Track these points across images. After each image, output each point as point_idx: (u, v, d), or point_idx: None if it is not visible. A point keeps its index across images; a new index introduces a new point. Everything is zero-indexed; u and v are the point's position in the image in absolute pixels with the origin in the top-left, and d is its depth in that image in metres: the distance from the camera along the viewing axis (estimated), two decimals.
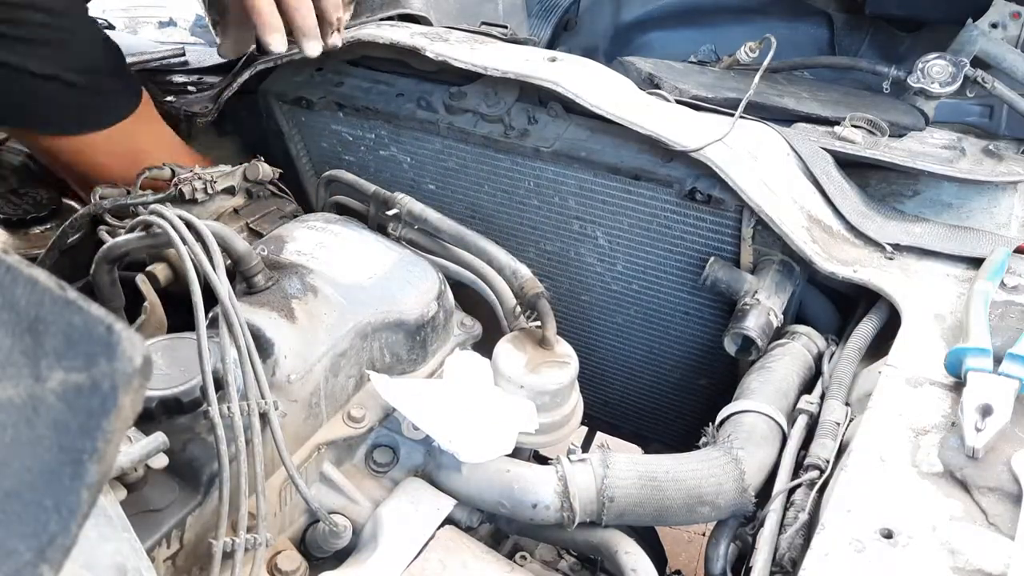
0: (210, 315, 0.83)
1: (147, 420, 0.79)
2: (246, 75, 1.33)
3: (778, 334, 1.09)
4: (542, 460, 1.09)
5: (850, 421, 0.89)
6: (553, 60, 1.16)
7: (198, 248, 0.84)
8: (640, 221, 1.18)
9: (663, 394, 1.45)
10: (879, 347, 0.99)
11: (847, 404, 0.93)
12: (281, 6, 1.09)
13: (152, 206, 0.90)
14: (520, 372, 0.97)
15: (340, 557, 0.86)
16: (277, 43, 1.09)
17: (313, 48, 1.11)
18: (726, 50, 1.56)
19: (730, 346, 1.09)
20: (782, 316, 1.08)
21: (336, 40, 1.15)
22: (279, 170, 1.20)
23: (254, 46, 1.42)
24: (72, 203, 1.25)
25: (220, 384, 0.79)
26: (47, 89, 1.11)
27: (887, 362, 0.90)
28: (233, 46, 1.19)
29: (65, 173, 1.25)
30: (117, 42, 1.21)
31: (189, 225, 0.87)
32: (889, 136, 1.19)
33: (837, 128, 1.19)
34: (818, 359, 1.06)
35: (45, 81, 1.10)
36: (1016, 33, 1.37)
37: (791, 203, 1.07)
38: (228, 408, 0.77)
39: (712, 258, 1.13)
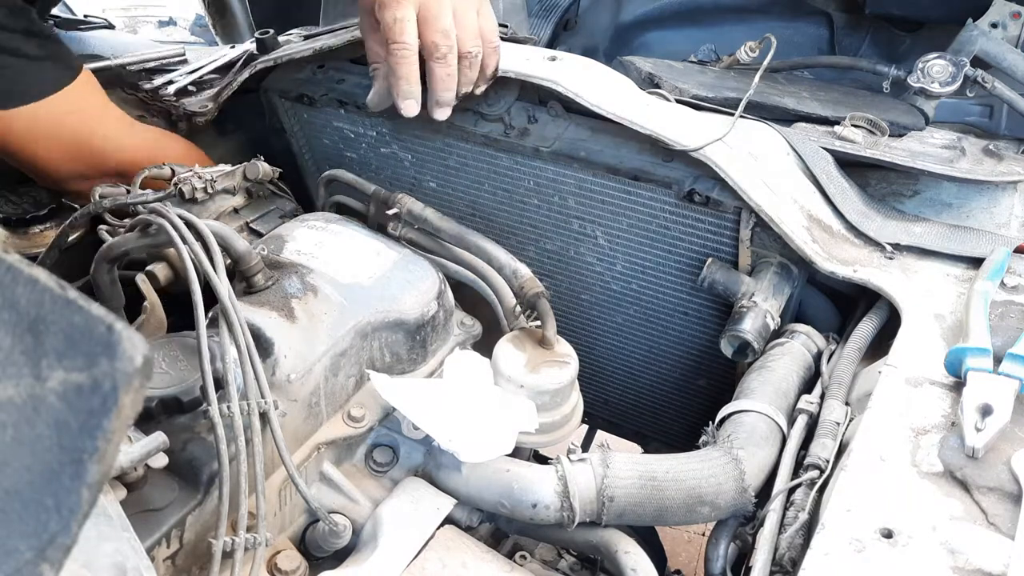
0: (210, 315, 0.83)
1: (147, 419, 0.79)
2: (246, 74, 1.34)
3: (777, 333, 1.09)
4: (542, 460, 1.09)
5: (850, 421, 0.89)
6: (553, 59, 1.16)
7: (198, 247, 0.84)
8: (639, 221, 1.18)
9: (663, 393, 1.45)
10: (879, 347, 0.99)
11: (847, 404, 0.93)
12: (427, 70, 1.06)
13: (152, 205, 0.90)
14: (520, 372, 0.97)
15: (340, 557, 0.86)
16: (410, 109, 1.08)
17: (441, 115, 1.11)
18: (726, 50, 1.56)
19: (726, 348, 1.09)
20: (779, 319, 1.08)
21: (444, 114, 1.12)
22: (279, 169, 1.20)
23: (252, 43, 1.43)
24: (72, 203, 1.25)
25: (220, 384, 0.79)
26: None
27: (887, 362, 0.90)
28: (379, 100, 1.14)
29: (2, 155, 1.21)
30: (116, 40, 1.21)
31: (189, 224, 0.87)
32: (889, 136, 1.20)
33: (837, 128, 1.19)
34: (818, 358, 1.06)
35: None
36: (1016, 33, 1.37)
37: (791, 203, 1.07)
38: (228, 407, 0.77)
39: (710, 259, 1.13)
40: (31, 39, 1.16)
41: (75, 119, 1.20)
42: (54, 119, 1.18)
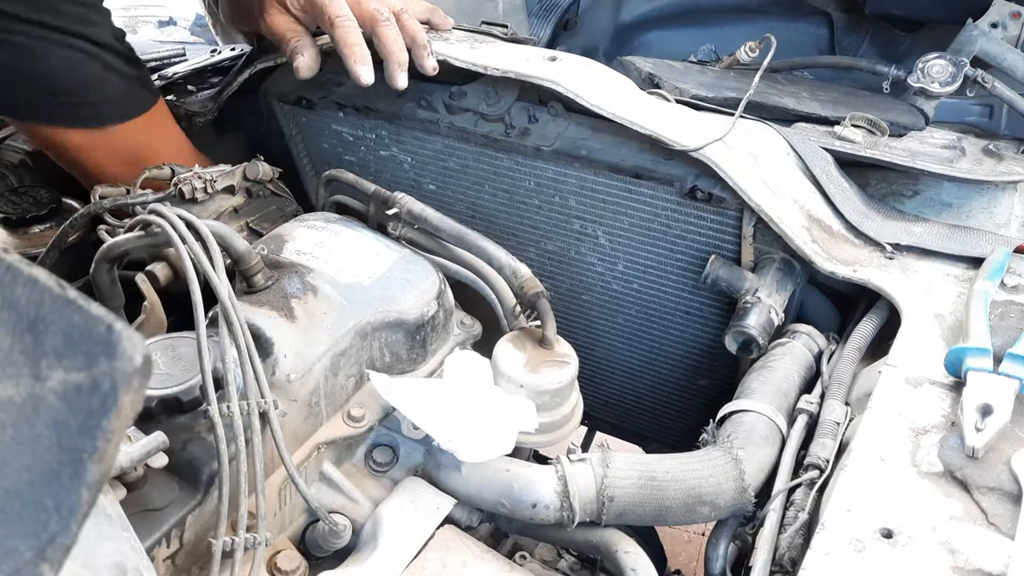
0: (209, 314, 0.83)
1: (147, 419, 0.79)
2: (246, 74, 1.34)
3: (779, 333, 1.10)
4: (542, 460, 1.09)
5: (850, 421, 0.89)
6: (553, 59, 1.16)
7: (197, 248, 0.84)
8: (641, 220, 1.18)
9: (664, 394, 1.45)
10: (879, 347, 0.98)
11: (847, 404, 0.93)
12: (375, 37, 1.10)
13: (152, 205, 0.90)
14: (520, 371, 0.97)
15: (340, 556, 0.86)
16: (366, 75, 1.09)
17: (403, 81, 1.12)
18: (726, 50, 1.56)
19: (731, 344, 1.09)
20: (783, 314, 1.08)
21: (432, 62, 1.14)
22: (279, 169, 1.20)
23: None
24: (72, 202, 1.25)
25: (220, 384, 0.79)
26: (64, 81, 1.11)
27: (887, 362, 0.90)
28: (309, 69, 1.16)
29: (71, 169, 1.25)
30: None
31: (188, 224, 0.87)
32: (889, 136, 1.19)
33: (837, 128, 1.19)
34: (818, 358, 1.06)
35: (62, 72, 1.10)
36: (1016, 33, 1.37)
37: (791, 202, 1.07)
38: (227, 407, 0.77)
39: (713, 256, 1.13)
40: (126, 60, 1.20)
41: (154, 140, 1.24)
42: (137, 140, 1.21)
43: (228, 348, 0.80)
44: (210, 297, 0.82)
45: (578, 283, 1.34)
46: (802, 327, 1.09)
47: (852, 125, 1.19)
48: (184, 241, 0.84)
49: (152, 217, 0.87)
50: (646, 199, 1.15)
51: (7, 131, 1.38)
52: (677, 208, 1.14)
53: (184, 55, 1.59)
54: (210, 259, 0.84)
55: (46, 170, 1.31)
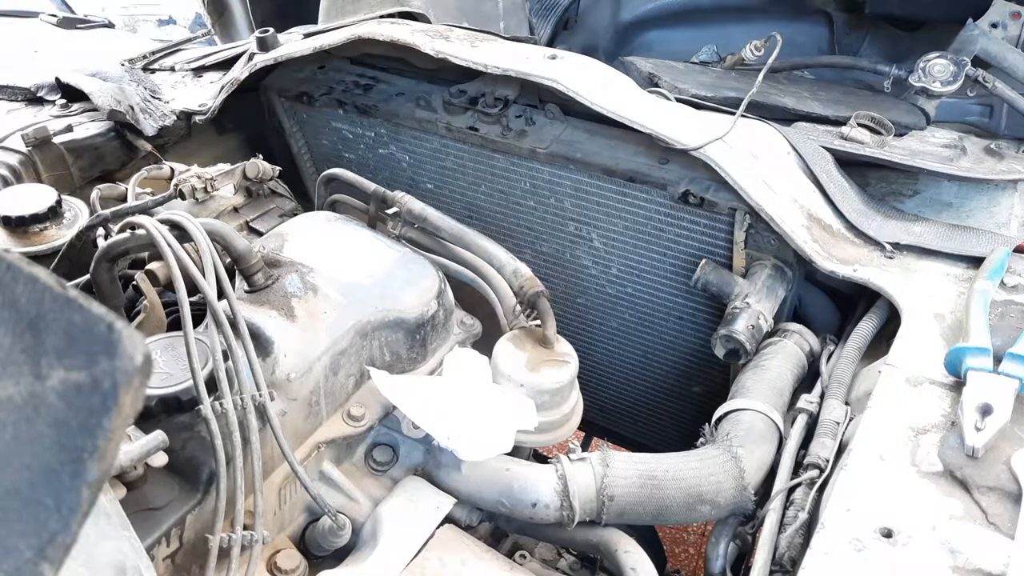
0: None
1: (147, 418, 0.79)
2: (246, 73, 1.33)
3: (770, 332, 1.09)
4: (542, 459, 1.09)
5: (850, 420, 0.89)
6: (553, 58, 1.15)
7: (180, 255, 0.84)
8: (635, 224, 1.18)
9: (658, 400, 1.45)
10: (879, 346, 0.98)
11: (847, 403, 0.93)
12: None
13: (133, 218, 0.89)
14: (520, 371, 0.97)
15: (339, 556, 0.86)
16: None
17: None
18: (726, 50, 1.56)
19: (719, 349, 1.09)
20: (772, 320, 1.08)
21: None
22: (279, 168, 1.20)
23: (253, 43, 1.43)
24: (73, 202, 1.24)
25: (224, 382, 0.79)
26: None
27: (887, 361, 0.90)
28: None
29: None
30: (116, 41, 1.21)
31: (181, 226, 0.86)
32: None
33: (844, 128, 1.19)
34: (811, 356, 1.06)
35: None
36: (1016, 33, 1.37)
37: (791, 202, 1.07)
38: (221, 404, 0.77)
39: (703, 260, 1.13)
40: None
41: None
42: None
43: (217, 346, 0.80)
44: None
45: (573, 286, 1.34)
46: (793, 326, 1.09)
47: (858, 125, 1.18)
48: (169, 244, 0.84)
49: (138, 219, 0.87)
50: (640, 203, 1.15)
51: (7, 131, 1.38)
52: (670, 212, 1.14)
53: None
54: (208, 260, 0.84)
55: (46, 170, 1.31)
